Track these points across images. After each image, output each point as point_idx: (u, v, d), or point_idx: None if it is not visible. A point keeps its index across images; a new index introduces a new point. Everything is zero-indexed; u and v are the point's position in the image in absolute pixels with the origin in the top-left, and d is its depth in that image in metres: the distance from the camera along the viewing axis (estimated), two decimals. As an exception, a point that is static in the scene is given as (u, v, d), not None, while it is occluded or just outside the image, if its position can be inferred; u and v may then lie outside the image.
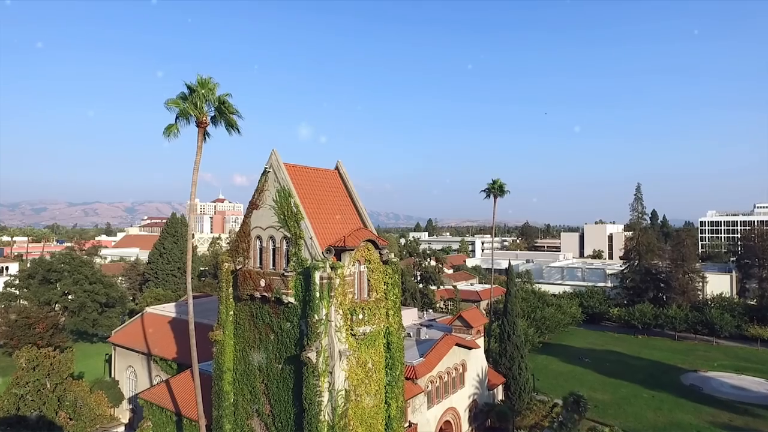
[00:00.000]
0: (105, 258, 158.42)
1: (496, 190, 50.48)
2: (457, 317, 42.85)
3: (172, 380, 33.69)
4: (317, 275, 22.39)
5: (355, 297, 24.35)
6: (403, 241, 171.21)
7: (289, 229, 24.31)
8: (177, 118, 24.06)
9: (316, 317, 22.23)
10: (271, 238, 25.27)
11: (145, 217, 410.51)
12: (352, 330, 23.32)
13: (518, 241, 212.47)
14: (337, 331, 22.62)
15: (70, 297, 66.99)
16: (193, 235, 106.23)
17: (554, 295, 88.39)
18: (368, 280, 25.14)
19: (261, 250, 25.76)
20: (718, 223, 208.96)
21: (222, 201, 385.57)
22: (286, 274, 23.46)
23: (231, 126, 24.92)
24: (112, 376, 47.51)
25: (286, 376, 24.10)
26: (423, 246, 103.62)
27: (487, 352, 47.16)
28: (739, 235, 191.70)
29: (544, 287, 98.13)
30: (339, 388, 22.43)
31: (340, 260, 23.63)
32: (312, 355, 21.82)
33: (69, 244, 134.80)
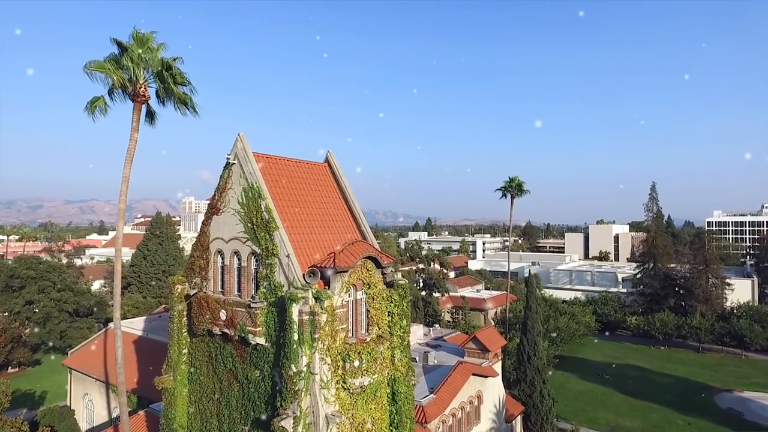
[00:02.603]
0: (92, 258, 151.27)
1: (513, 189, 44.15)
2: (471, 338, 36.42)
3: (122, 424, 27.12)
4: (295, 309, 15.89)
5: (350, 335, 17.86)
6: (402, 241, 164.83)
7: (258, 242, 17.74)
8: (111, 89, 17.47)
9: (294, 369, 15.72)
10: (236, 253, 18.71)
11: (139, 215, 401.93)
12: (344, 382, 16.85)
13: (520, 241, 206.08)
14: (324, 388, 16.13)
15: (35, 308, 60.31)
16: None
17: (565, 302, 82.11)
18: (367, 310, 18.65)
19: (223, 269, 19.20)
20: (725, 224, 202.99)
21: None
22: (252, 305, 16.89)
23: (183, 103, 18.25)
24: (68, 403, 41.01)
25: (254, 444, 17.63)
26: (424, 247, 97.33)
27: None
28: (748, 236, 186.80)
29: (553, 292, 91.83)
30: (326, 467, 15.98)
31: (328, 286, 17.11)
32: (287, 424, 15.33)
33: (46, 245, 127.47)
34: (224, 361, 18.56)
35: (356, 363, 16.98)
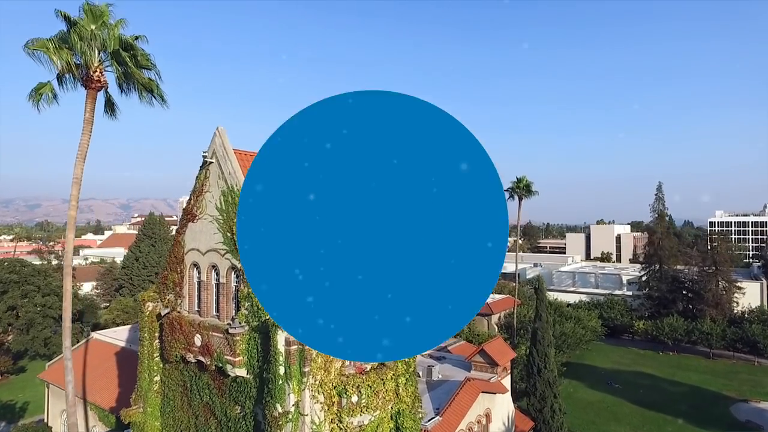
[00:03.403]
0: (86, 259, 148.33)
1: (521, 190, 41.55)
2: (479, 351, 33.87)
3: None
4: (281, 337, 13.25)
5: (347, 364, 15.23)
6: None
7: (238, 255, 15.12)
8: (60, 74, 14.76)
9: (279, 409, 13.09)
10: (214, 267, 16.07)
11: (135, 215, 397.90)
12: (340, 421, 14.23)
13: (521, 241, 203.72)
14: (316, 431, 13.49)
15: (18, 313, 57.67)
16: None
17: (569, 305, 79.59)
18: (367, 334, 16.03)
19: (199, 285, 16.55)
20: (728, 224, 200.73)
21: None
22: (231, 330, 14.23)
23: (148, 90, 15.49)
24: (45, 419, 38.33)
25: (233, 493, 15.01)
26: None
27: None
28: (751, 237, 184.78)
29: (557, 295, 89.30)
30: None
31: (321, 308, 14.51)
32: (271, 476, 12.72)
33: (35, 246, 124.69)
34: (200, 393, 15.92)
35: (354, 398, 14.35)
